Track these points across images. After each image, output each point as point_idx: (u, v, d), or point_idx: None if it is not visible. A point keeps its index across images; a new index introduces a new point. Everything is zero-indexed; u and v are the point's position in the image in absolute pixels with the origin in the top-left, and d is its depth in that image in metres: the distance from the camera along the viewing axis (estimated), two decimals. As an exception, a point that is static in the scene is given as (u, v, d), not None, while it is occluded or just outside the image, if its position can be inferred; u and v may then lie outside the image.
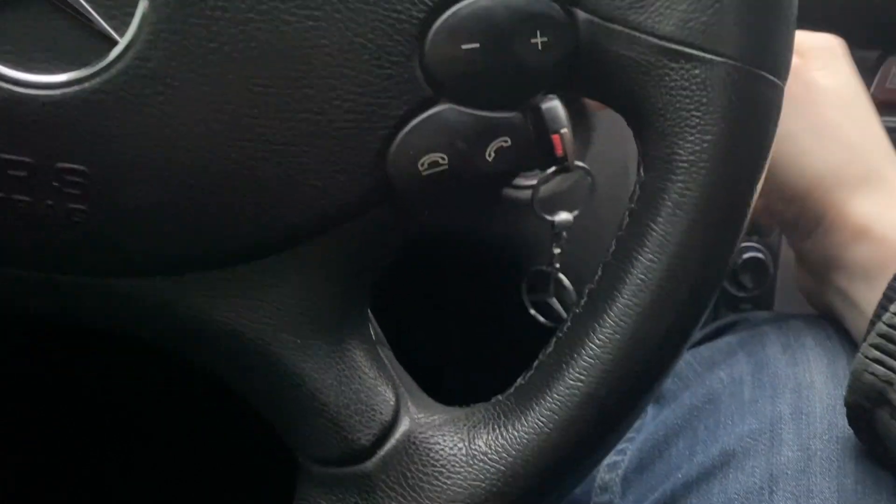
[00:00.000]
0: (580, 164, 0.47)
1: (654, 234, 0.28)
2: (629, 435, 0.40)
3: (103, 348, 0.54)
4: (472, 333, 0.53)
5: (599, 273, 0.29)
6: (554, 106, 0.41)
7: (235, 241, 0.27)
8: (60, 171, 0.25)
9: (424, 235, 0.30)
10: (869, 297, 0.36)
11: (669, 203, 0.28)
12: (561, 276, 0.49)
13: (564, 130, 0.43)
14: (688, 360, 0.41)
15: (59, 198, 0.26)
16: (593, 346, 0.28)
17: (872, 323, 0.33)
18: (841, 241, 0.37)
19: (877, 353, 0.32)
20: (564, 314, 0.50)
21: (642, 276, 0.28)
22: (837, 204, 0.37)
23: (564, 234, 0.48)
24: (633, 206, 0.29)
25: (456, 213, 0.45)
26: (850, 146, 0.37)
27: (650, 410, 0.42)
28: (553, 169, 0.46)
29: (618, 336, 0.28)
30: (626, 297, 0.28)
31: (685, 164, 0.27)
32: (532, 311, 0.50)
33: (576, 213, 0.47)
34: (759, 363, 0.38)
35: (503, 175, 0.28)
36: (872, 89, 0.51)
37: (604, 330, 0.28)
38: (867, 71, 0.50)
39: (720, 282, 0.29)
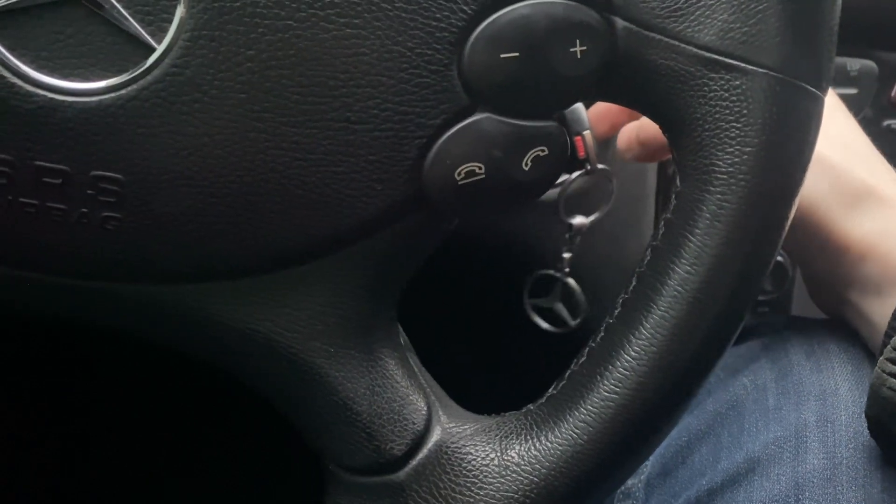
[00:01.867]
0: (602, 166, 0.47)
1: (692, 245, 0.28)
2: None
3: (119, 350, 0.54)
4: (491, 339, 0.53)
5: (634, 283, 0.29)
6: (577, 108, 0.41)
7: (269, 249, 0.27)
8: (95, 178, 0.25)
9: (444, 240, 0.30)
10: (882, 311, 0.36)
11: (707, 214, 0.27)
12: (570, 280, 0.48)
13: (587, 132, 0.43)
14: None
15: (93, 206, 0.25)
16: (628, 358, 0.28)
17: (888, 336, 0.33)
18: (848, 261, 0.37)
19: (893, 368, 0.32)
20: (571, 320, 0.50)
21: (679, 288, 0.28)
22: (837, 226, 0.37)
23: (578, 238, 0.48)
24: (669, 216, 0.28)
25: (488, 220, 0.45)
26: (832, 168, 0.37)
27: None
28: (577, 172, 0.46)
29: (653, 348, 0.28)
30: (662, 308, 0.28)
31: (724, 176, 0.27)
32: (534, 317, 0.49)
33: (594, 216, 0.47)
34: (783, 370, 0.38)
35: (539, 184, 0.28)
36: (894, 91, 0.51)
37: (639, 342, 0.28)
38: (890, 72, 0.50)
39: (756, 294, 0.29)
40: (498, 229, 0.50)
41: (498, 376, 0.50)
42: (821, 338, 0.39)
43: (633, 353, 0.28)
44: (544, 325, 0.49)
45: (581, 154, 0.44)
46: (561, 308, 0.49)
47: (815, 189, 0.37)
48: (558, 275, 0.48)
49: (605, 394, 0.28)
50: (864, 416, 0.34)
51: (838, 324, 0.40)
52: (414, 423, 0.29)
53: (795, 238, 0.38)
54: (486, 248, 0.49)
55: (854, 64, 0.50)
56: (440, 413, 0.29)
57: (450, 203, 0.27)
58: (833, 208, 0.37)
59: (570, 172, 0.47)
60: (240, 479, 0.59)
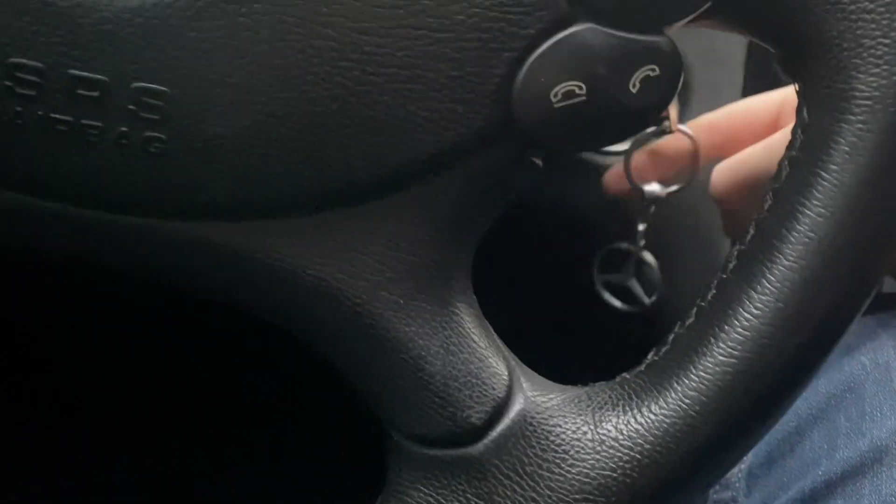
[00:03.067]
0: (682, 127, 0.43)
1: (825, 183, 0.23)
2: None
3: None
4: (559, 315, 0.49)
5: (752, 231, 0.25)
6: None
7: (334, 180, 0.23)
8: (137, 91, 0.22)
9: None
10: None
11: (845, 147, 0.23)
12: (646, 254, 0.44)
13: None
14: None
15: (134, 124, 0.22)
16: (749, 316, 0.24)
17: None
18: None
19: None
20: (646, 298, 0.46)
21: (810, 234, 0.23)
22: None
23: (653, 208, 0.44)
24: (793, 153, 0.24)
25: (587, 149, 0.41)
26: None
27: None
28: (652, 130, 0.42)
29: (780, 304, 0.23)
30: (790, 258, 0.24)
31: (867, 102, 0.23)
32: (604, 294, 0.45)
33: (674, 187, 0.42)
34: None
35: (648, 110, 0.24)
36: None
37: (762, 297, 0.24)
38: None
39: None
40: (567, 197, 0.46)
41: (565, 354, 0.46)
42: None
43: (755, 310, 0.24)
44: (616, 303, 0.45)
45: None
46: (635, 284, 0.45)
47: None
48: (632, 248, 0.44)
49: (722, 358, 0.24)
50: None
51: None
52: (494, 389, 0.25)
53: None
54: (554, 218, 0.46)
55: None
56: (522, 380, 0.25)
57: (544, 130, 0.23)
58: None
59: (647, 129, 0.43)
60: (287, 451, 0.56)
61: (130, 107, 0.22)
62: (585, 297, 0.46)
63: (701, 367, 0.24)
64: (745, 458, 0.36)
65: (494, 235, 0.27)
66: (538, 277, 0.48)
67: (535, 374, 0.26)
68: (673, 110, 0.42)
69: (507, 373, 0.25)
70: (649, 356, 0.26)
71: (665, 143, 0.41)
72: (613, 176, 0.42)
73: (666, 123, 0.42)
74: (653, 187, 0.43)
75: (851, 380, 0.34)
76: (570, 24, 0.23)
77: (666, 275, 0.44)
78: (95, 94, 0.22)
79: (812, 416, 0.34)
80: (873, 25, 0.23)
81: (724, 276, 0.25)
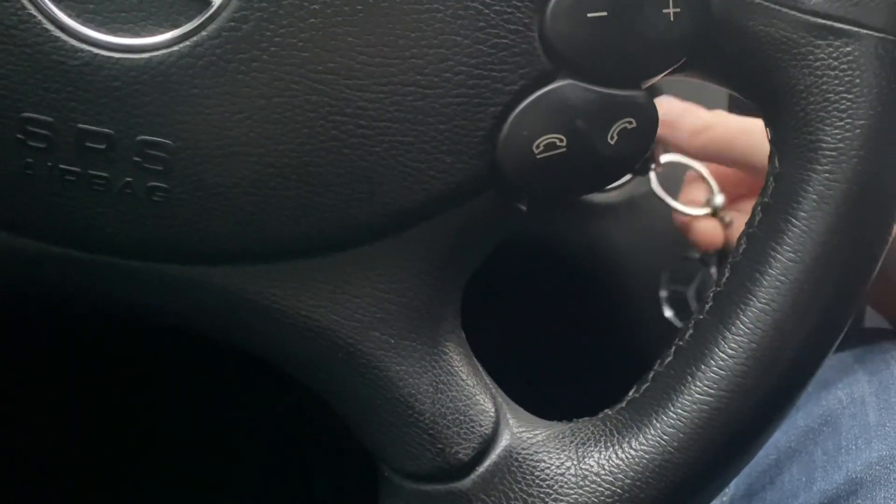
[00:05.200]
0: (673, 157, 0.44)
1: (795, 229, 0.25)
2: None
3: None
4: (547, 351, 0.50)
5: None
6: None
7: (328, 227, 0.24)
8: (142, 144, 0.23)
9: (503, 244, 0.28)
10: None
11: (813, 195, 0.25)
12: (714, 269, 0.44)
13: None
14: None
15: (139, 174, 0.23)
16: (724, 356, 0.25)
17: None
18: None
19: None
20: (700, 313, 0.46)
21: (781, 278, 0.25)
22: None
23: (729, 218, 0.43)
24: (766, 199, 0.26)
25: (567, 200, 0.43)
26: None
27: None
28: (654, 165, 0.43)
29: (753, 344, 0.25)
30: (762, 300, 0.25)
31: (832, 153, 0.24)
32: (665, 308, 0.46)
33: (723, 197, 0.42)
34: (884, 383, 0.35)
35: (625, 160, 0.25)
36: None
37: (737, 337, 0.25)
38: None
39: (867, 284, 0.26)
40: (559, 233, 0.47)
41: (555, 386, 0.47)
42: None
43: (729, 350, 0.25)
44: (678, 323, 0.45)
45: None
46: (692, 298, 0.45)
47: None
48: (706, 259, 0.44)
49: (698, 396, 0.25)
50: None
51: None
52: (481, 426, 0.26)
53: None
54: (547, 249, 0.47)
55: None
56: (508, 416, 0.26)
57: (526, 179, 0.25)
58: None
59: (638, 173, 0.44)
60: (281, 485, 0.57)
61: (135, 158, 0.23)
62: (575, 331, 0.47)
63: (679, 405, 0.25)
64: (726, 490, 0.37)
65: (487, 271, 0.28)
66: (529, 312, 0.49)
67: (522, 410, 0.27)
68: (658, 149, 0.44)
69: (494, 409, 0.26)
70: (630, 393, 0.27)
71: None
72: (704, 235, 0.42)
73: (653, 165, 0.44)
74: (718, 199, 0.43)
75: (828, 414, 0.35)
76: (551, 80, 0.24)
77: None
78: (102, 146, 0.23)
79: (791, 449, 0.35)
80: (837, 81, 0.24)
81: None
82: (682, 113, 0.39)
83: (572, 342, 0.47)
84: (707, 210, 0.42)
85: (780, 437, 0.36)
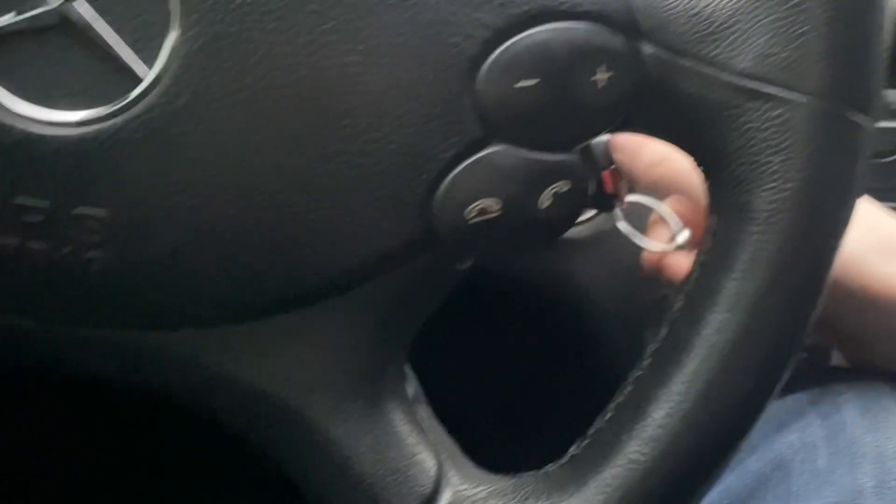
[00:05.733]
0: (636, 197, 0.44)
1: (728, 289, 0.25)
2: None
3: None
4: (514, 388, 0.51)
5: (665, 331, 0.26)
6: (602, 141, 0.39)
7: (266, 292, 0.25)
8: (79, 216, 0.23)
9: (464, 281, 0.28)
10: None
11: (745, 256, 0.25)
12: None
13: (615, 166, 0.40)
14: None
15: (77, 245, 0.24)
16: (658, 416, 0.25)
17: None
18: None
19: None
20: None
21: (714, 337, 0.25)
22: (884, 278, 0.35)
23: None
24: (703, 257, 0.26)
25: (506, 259, 0.43)
26: (861, 221, 0.35)
27: None
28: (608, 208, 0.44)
29: (685, 405, 0.25)
30: (695, 360, 0.25)
31: (764, 214, 0.25)
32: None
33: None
34: (835, 427, 0.35)
35: (558, 222, 0.25)
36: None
37: (670, 397, 0.25)
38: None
39: (800, 346, 0.26)
40: (534, 276, 0.47)
41: (522, 427, 0.47)
42: (876, 393, 0.36)
43: (663, 411, 0.25)
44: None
45: (609, 189, 0.42)
46: None
47: (849, 245, 0.35)
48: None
49: (632, 456, 0.25)
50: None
51: (893, 377, 0.37)
52: (421, 486, 0.26)
53: (835, 299, 0.36)
54: (515, 294, 0.47)
55: (894, 96, 0.47)
56: (451, 473, 0.27)
57: (462, 242, 0.25)
58: (874, 261, 0.35)
59: (604, 209, 0.45)
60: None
61: (73, 230, 0.23)
62: (540, 367, 0.47)
63: (615, 464, 0.25)
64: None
65: (450, 306, 0.28)
66: (493, 348, 0.50)
67: (467, 464, 0.28)
68: (622, 185, 0.44)
69: (436, 467, 0.27)
70: (572, 448, 0.27)
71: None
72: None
73: (617, 200, 0.44)
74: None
75: (780, 458, 0.35)
76: (484, 147, 0.24)
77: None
78: (40, 218, 0.23)
79: (744, 494, 0.35)
80: (767, 143, 0.25)
81: (640, 372, 0.27)
82: (639, 145, 0.39)
83: (537, 379, 0.47)
84: (672, 247, 0.42)
85: (734, 482, 0.36)
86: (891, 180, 0.49)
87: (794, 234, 0.25)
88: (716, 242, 0.26)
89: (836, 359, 0.47)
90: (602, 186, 0.42)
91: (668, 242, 0.43)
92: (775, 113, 0.25)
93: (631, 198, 0.44)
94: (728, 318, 0.25)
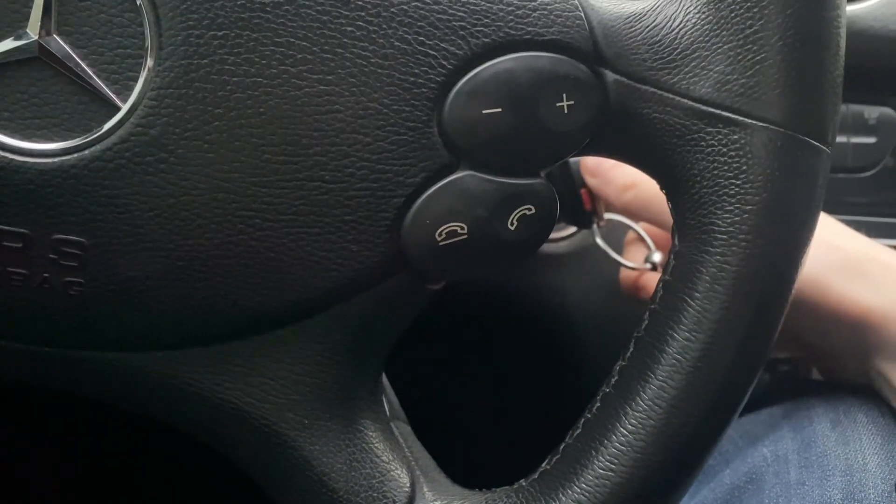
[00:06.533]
0: (612, 216, 0.45)
1: (691, 310, 0.26)
2: None
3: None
4: (496, 401, 0.51)
5: (631, 349, 0.27)
6: (580, 160, 0.40)
7: (240, 314, 0.25)
8: (57, 242, 0.24)
9: (443, 297, 0.29)
10: None
11: (707, 277, 0.26)
12: None
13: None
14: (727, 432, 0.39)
15: (55, 270, 0.24)
16: (625, 432, 0.26)
17: None
18: (868, 330, 0.36)
19: None
20: None
21: (678, 356, 0.26)
22: (848, 297, 0.36)
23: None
24: (667, 277, 0.27)
25: (475, 280, 0.44)
26: (823, 242, 0.36)
27: None
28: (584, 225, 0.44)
29: (651, 421, 0.26)
30: (660, 378, 0.26)
31: (724, 236, 0.25)
32: None
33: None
34: (806, 440, 0.35)
35: (526, 244, 0.26)
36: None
37: (636, 414, 0.26)
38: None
39: (763, 362, 0.27)
40: (514, 290, 0.48)
41: (506, 444, 0.48)
42: (847, 406, 0.37)
43: (629, 427, 0.26)
44: None
45: (587, 206, 0.43)
46: None
47: (813, 265, 0.35)
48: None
49: (601, 471, 0.26)
50: (895, 494, 0.31)
51: (866, 391, 0.38)
52: (395, 501, 0.27)
53: (801, 318, 0.36)
54: (495, 308, 0.48)
55: (873, 112, 0.48)
56: (424, 489, 0.27)
57: (431, 265, 0.26)
58: (837, 281, 0.36)
59: (582, 226, 0.45)
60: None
61: (51, 255, 0.24)
62: (521, 381, 0.48)
63: (583, 479, 0.26)
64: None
65: (430, 320, 0.29)
66: (473, 362, 0.50)
67: (442, 479, 0.28)
68: (600, 202, 0.45)
69: (409, 483, 0.27)
70: (543, 464, 0.28)
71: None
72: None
73: (596, 217, 0.45)
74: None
75: (754, 471, 0.36)
76: (451, 172, 0.25)
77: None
78: (19, 245, 0.24)
79: (717, 506, 0.36)
80: (726, 167, 0.25)
81: (607, 389, 0.27)
82: (611, 168, 0.40)
83: (517, 392, 0.48)
84: (647, 266, 0.43)
85: (708, 495, 0.36)
86: (870, 195, 0.50)
87: (754, 256, 0.25)
88: (678, 263, 0.26)
89: (818, 372, 0.47)
90: (581, 204, 0.43)
91: (643, 262, 0.44)
92: (734, 137, 0.25)
93: (609, 216, 0.45)
94: (691, 336, 0.26)
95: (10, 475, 0.56)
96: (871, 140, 0.49)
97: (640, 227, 0.43)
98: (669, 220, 0.39)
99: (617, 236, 0.46)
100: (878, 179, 0.49)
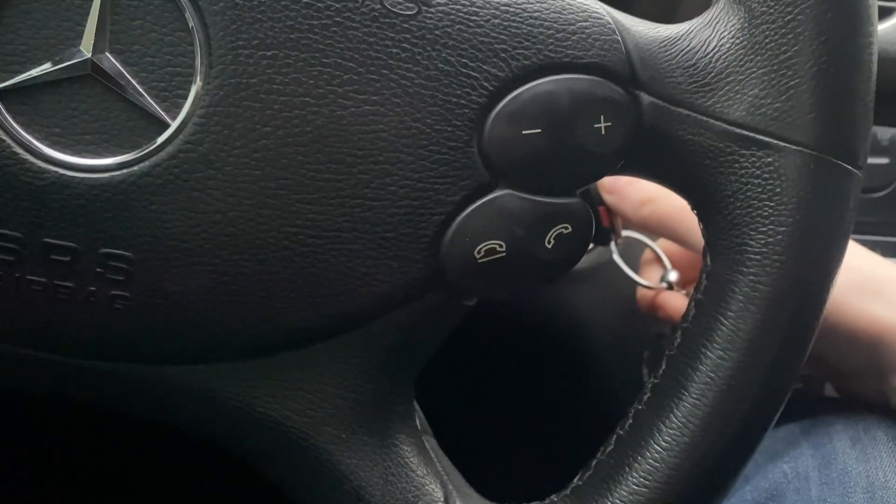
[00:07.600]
0: (630, 232, 0.46)
1: (724, 328, 0.26)
2: None
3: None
4: (512, 417, 0.51)
5: (664, 366, 0.27)
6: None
7: (282, 328, 0.26)
8: (105, 256, 0.24)
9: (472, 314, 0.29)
10: None
11: (740, 297, 0.26)
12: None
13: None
14: None
15: (102, 284, 0.25)
16: (658, 448, 0.26)
17: None
18: (888, 349, 0.36)
19: None
20: None
21: (711, 374, 0.26)
22: (866, 316, 0.37)
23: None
24: (699, 296, 0.27)
25: (510, 297, 0.44)
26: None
27: None
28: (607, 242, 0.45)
29: (685, 438, 0.26)
30: (693, 395, 0.26)
31: (757, 257, 0.26)
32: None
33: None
34: (827, 457, 0.36)
35: (562, 262, 0.27)
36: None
37: (670, 431, 0.26)
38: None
39: (794, 380, 0.27)
40: (531, 306, 0.48)
41: (524, 459, 0.48)
42: (866, 424, 0.37)
43: (663, 444, 0.26)
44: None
45: (605, 223, 0.43)
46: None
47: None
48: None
49: (634, 487, 0.26)
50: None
51: (885, 408, 0.38)
52: None
53: (818, 337, 0.37)
54: (513, 324, 0.48)
55: (885, 133, 0.49)
56: (457, 503, 0.28)
57: (469, 282, 0.26)
58: (854, 300, 0.36)
59: (599, 243, 0.46)
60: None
61: (98, 269, 0.24)
62: (539, 398, 0.48)
63: (617, 495, 0.26)
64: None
65: (449, 339, 0.29)
66: (492, 379, 0.50)
67: (473, 494, 0.29)
68: (618, 220, 0.45)
69: (442, 497, 0.27)
70: (575, 479, 0.28)
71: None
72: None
73: (614, 235, 0.45)
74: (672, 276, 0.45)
75: (774, 488, 0.36)
76: (490, 191, 0.26)
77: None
78: (67, 258, 0.24)
79: (739, 523, 0.36)
80: (760, 189, 0.26)
81: (640, 407, 0.28)
82: (627, 184, 0.40)
83: (537, 408, 0.48)
84: (664, 285, 0.44)
85: (730, 511, 0.37)
86: (883, 215, 0.50)
87: (787, 276, 0.26)
88: (711, 282, 0.27)
89: (830, 389, 0.48)
90: (599, 221, 0.44)
91: (658, 281, 0.44)
92: (768, 160, 0.26)
93: (626, 233, 0.45)
94: (724, 355, 0.26)
95: (10, 475, 0.56)
96: (884, 161, 0.49)
97: (657, 246, 0.44)
98: (686, 234, 0.40)
99: (633, 253, 0.47)
100: (890, 199, 0.50)
